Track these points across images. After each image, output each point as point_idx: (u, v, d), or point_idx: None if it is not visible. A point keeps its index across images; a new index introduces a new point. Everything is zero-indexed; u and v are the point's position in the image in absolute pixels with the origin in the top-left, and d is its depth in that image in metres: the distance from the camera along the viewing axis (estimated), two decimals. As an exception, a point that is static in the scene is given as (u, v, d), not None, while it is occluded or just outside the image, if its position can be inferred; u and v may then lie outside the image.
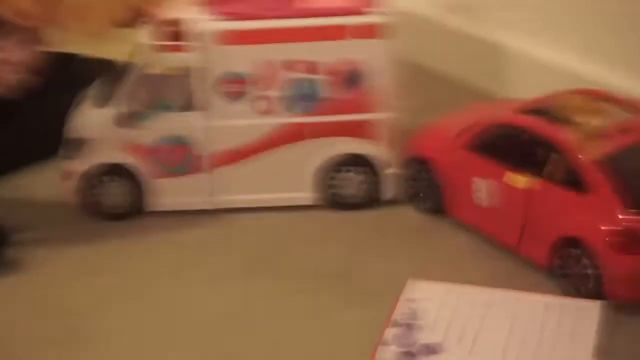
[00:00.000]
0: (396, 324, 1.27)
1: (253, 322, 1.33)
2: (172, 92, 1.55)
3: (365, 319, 1.31)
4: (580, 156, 1.33)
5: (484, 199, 1.46)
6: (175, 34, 1.49)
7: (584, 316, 1.27)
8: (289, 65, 1.51)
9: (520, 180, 1.39)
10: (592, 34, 1.75)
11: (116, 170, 1.56)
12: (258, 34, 1.50)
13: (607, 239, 1.28)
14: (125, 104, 1.52)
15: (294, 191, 1.59)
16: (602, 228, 1.29)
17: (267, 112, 1.53)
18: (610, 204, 1.30)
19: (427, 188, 1.56)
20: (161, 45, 1.49)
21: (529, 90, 1.62)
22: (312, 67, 1.51)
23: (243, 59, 1.50)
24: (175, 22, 1.49)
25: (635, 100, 1.48)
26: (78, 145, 1.55)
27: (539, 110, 1.44)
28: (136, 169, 1.55)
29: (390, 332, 1.25)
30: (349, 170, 1.57)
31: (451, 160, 1.51)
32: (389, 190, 1.59)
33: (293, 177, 1.58)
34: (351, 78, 1.52)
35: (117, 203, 1.58)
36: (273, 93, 1.52)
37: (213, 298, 1.39)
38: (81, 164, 1.55)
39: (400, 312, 1.30)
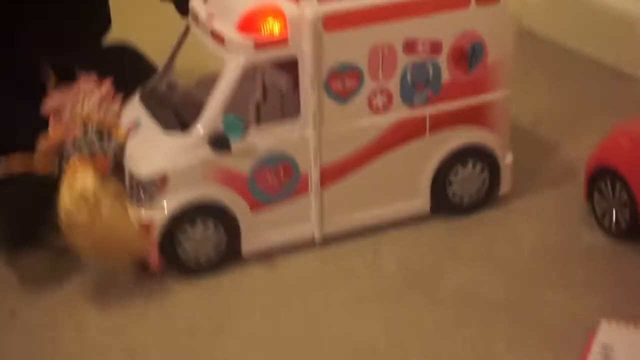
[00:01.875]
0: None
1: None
2: (270, 99, 1.19)
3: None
4: None
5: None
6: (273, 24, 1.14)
7: None
8: (410, 47, 1.21)
9: None
10: None
11: (208, 210, 1.17)
12: (371, 12, 1.18)
13: None
14: (216, 122, 1.14)
15: (410, 199, 1.30)
16: None
17: (384, 109, 1.23)
18: None
19: (618, 206, 1.26)
20: (259, 41, 1.13)
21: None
22: (434, 46, 1.23)
23: (356, 46, 1.19)
24: (273, 11, 1.14)
25: None
26: (155, 187, 1.15)
27: None
28: (233, 203, 1.18)
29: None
30: (472, 165, 1.30)
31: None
32: (506, 184, 1.34)
33: (409, 182, 1.30)
34: (474, 55, 1.25)
35: (209, 251, 1.20)
36: (391, 84, 1.22)
37: (353, 324, 1.13)
38: (162, 210, 1.15)
39: (593, 352, 1.05)
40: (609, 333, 1.08)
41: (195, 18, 1.25)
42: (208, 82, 1.21)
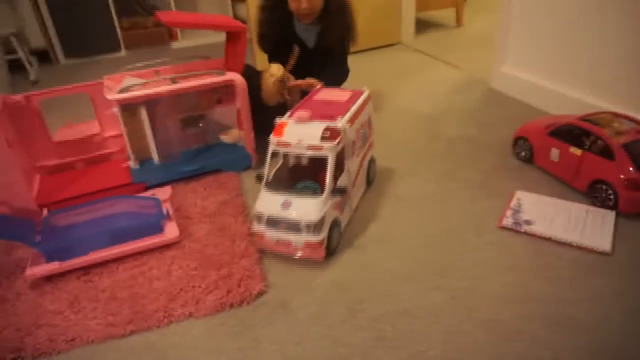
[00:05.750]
0: (511, 209, 2.53)
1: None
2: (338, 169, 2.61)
3: (497, 205, 2.60)
4: (612, 141, 2.47)
5: (556, 158, 2.74)
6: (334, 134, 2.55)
7: (607, 216, 2.44)
8: (363, 125, 2.72)
9: (576, 151, 2.63)
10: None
11: (335, 222, 2.57)
12: (355, 114, 2.63)
13: (624, 182, 2.41)
14: (331, 184, 2.55)
15: (364, 185, 2.83)
16: (621, 176, 2.40)
17: (358, 154, 2.72)
18: (625, 165, 2.41)
19: (525, 149, 2.92)
20: (337, 142, 2.54)
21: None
22: (365, 125, 2.76)
23: (353, 131, 2.61)
24: (331, 129, 2.55)
25: (636, 118, 2.67)
26: (320, 222, 2.51)
27: (589, 119, 2.67)
28: (340, 217, 2.59)
29: (508, 212, 2.52)
30: (373, 164, 2.89)
31: (541, 138, 2.83)
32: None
33: (364, 177, 2.80)
34: (369, 124, 2.82)
35: (338, 241, 2.60)
36: (359, 143, 2.72)
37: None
38: (325, 232, 2.53)
39: (513, 203, 2.56)
40: (519, 195, 2.61)
41: (283, 145, 2.53)
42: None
